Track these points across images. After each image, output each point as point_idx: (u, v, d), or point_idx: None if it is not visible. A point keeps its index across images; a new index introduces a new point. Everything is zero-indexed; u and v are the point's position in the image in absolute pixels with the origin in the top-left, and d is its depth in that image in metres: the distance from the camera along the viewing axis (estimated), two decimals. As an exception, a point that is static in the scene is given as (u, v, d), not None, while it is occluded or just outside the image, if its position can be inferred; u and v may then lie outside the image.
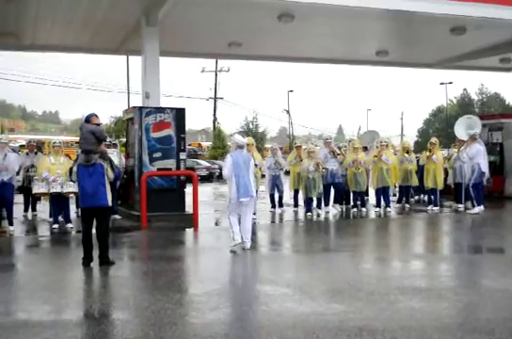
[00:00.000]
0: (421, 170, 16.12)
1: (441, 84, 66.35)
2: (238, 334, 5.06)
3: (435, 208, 15.33)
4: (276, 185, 14.96)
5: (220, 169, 39.09)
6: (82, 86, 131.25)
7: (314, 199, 14.57)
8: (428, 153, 15.37)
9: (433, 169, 15.31)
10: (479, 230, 12.64)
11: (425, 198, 18.31)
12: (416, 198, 18.00)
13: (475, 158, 14.66)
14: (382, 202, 15.17)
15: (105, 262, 8.06)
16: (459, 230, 12.96)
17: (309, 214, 14.36)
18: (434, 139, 15.70)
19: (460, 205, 15.53)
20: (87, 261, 8.06)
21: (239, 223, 9.44)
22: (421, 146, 36.67)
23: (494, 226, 13.15)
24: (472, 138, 14.93)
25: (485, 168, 14.70)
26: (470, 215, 14.30)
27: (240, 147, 9.50)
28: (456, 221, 14.15)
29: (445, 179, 16.24)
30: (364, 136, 17.94)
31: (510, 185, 18.20)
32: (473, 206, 14.67)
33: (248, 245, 9.34)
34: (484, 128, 17.07)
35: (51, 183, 11.85)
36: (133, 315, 5.81)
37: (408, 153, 16.16)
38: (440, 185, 15.40)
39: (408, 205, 16.12)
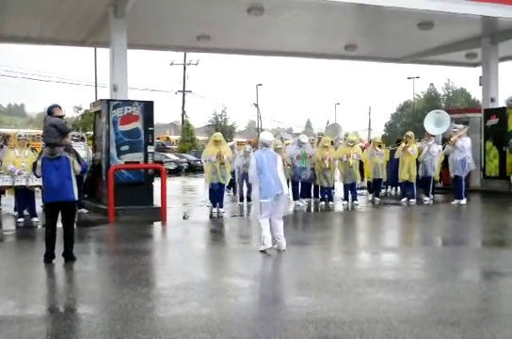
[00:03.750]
0: (393, 163, 16.38)
1: (409, 78, 67.03)
2: (206, 327, 5.03)
3: (412, 201, 15.53)
4: (246, 179, 14.93)
5: (189, 162, 39.11)
6: (49, 78, 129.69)
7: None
8: (404, 146, 15.55)
9: (408, 162, 15.56)
10: (454, 222, 12.76)
11: (393, 191, 18.60)
12: (383, 191, 18.20)
13: (468, 151, 15.12)
14: (349, 196, 15.30)
15: (71, 258, 7.90)
16: (429, 222, 13.09)
17: None
18: (410, 133, 16.00)
19: (426, 198, 15.74)
20: (49, 258, 7.87)
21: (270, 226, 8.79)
22: (388, 140, 36.96)
23: (462, 219, 13.35)
24: (461, 132, 15.28)
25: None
26: (457, 205, 14.77)
27: (265, 145, 9.00)
28: (431, 214, 14.32)
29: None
30: (328, 129, 18.00)
31: (475, 178, 18.49)
32: (462, 198, 15.02)
33: (284, 245, 8.65)
34: (450, 122, 17.28)
35: (16, 176, 11.69)
36: (99, 310, 5.75)
37: (380, 147, 16.39)
38: (414, 178, 15.67)
39: (378, 199, 16.25)
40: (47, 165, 7.85)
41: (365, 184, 17.96)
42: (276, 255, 8.43)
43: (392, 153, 16.83)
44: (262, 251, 8.52)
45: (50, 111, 8.06)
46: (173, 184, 22.51)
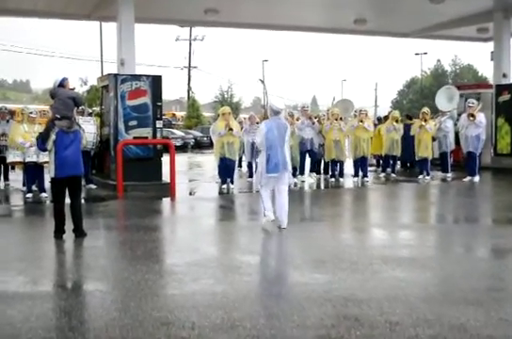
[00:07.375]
0: (406, 140, 16.19)
1: (416, 54, 66.40)
2: (221, 305, 4.94)
3: (427, 177, 15.38)
4: (256, 152, 14.71)
5: (195, 138, 38.91)
6: (54, 54, 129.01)
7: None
8: (423, 123, 15.34)
9: (425, 139, 15.42)
10: (466, 199, 12.59)
11: (402, 168, 18.50)
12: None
13: (484, 127, 14.88)
14: (360, 172, 15.17)
15: (81, 234, 7.77)
16: (442, 199, 13.01)
17: None
18: (426, 109, 15.74)
19: (448, 174, 15.64)
20: (60, 234, 7.72)
21: (272, 199, 8.54)
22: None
23: (475, 196, 13.22)
24: (475, 108, 14.98)
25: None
26: (470, 182, 14.54)
27: (276, 113, 8.44)
28: (443, 191, 14.21)
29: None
30: (338, 105, 17.59)
31: (486, 155, 18.29)
32: (475, 175, 14.75)
33: (285, 223, 8.33)
34: (461, 98, 17.06)
35: (27, 151, 11.58)
36: (112, 286, 5.66)
37: (397, 121, 16.21)
38: (431, 154, 15.60)
39: (394, 175, 16.10)
40: (63, 138, 7.55)
41: (374, 160, 17.82)
42: (287, 232, 8.29)
43: (406, 128, 16.53)
44: (264, 230, 8.32)
45: (62, 84, 7.83)
46: (180, 160, 22.27)
